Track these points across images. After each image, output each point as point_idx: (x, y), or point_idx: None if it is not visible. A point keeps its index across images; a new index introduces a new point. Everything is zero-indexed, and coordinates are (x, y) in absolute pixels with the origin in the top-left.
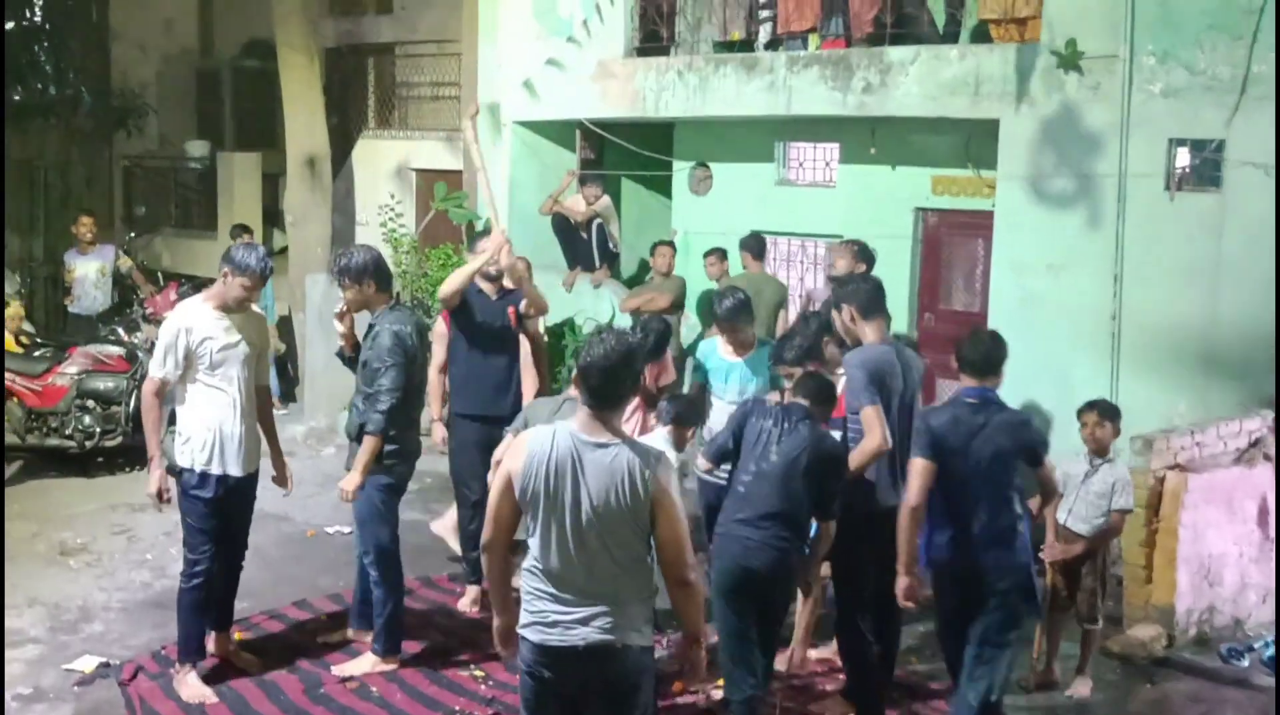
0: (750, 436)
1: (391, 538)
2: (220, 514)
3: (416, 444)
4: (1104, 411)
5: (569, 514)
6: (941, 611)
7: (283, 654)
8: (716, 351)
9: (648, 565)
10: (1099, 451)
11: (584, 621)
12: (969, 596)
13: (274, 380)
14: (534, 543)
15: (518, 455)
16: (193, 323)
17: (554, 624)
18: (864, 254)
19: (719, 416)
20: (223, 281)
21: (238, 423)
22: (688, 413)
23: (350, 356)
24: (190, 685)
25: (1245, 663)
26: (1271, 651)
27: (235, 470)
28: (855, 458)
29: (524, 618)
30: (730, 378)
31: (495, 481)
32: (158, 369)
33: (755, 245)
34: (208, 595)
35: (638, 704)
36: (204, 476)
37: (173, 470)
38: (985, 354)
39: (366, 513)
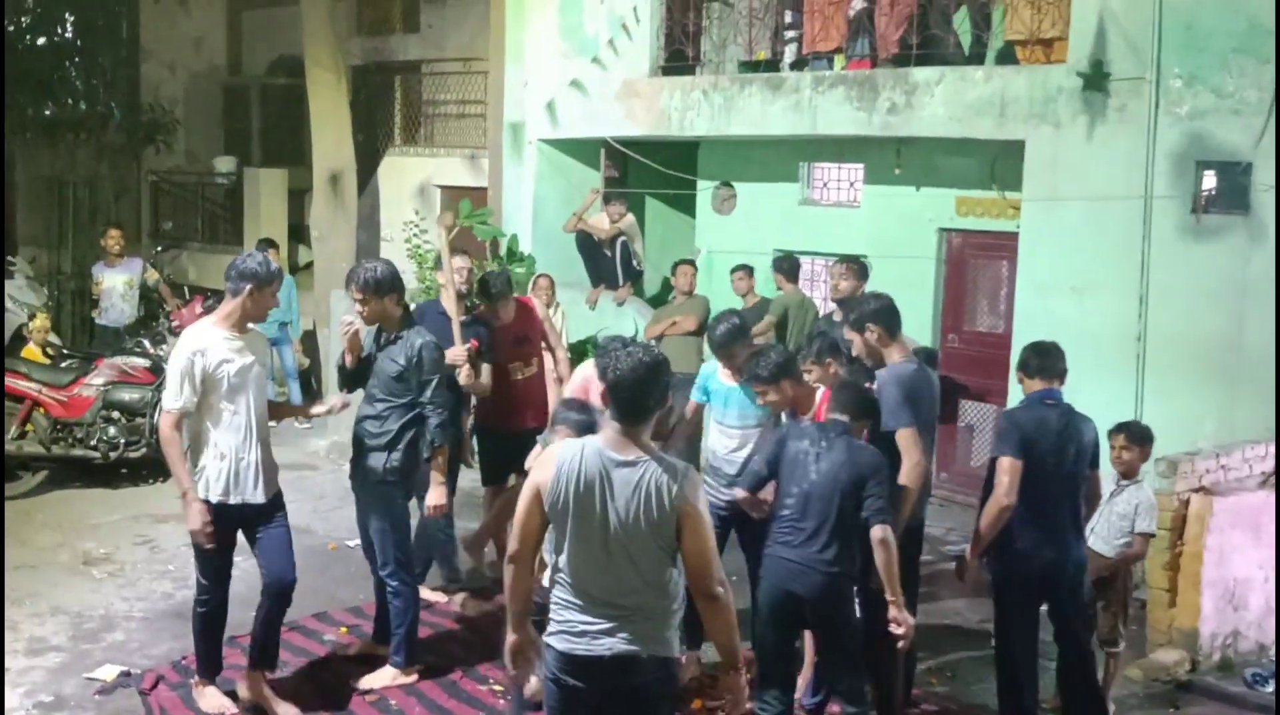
0: (788, 460)
1: (409, 549)
2: (229, 543)
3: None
4: (1132, 435)
5: (597, 529)
6: (1013, 606)
7: (302, 667)
8: (716, 375)
9: (674, 579)
10: (1126, 474)
11: (610, 632)
12: (1052, 587)
13: (298, 395)
14: (562, 555)
15: (547, 467)
16: (206, 346)
17: (581, 634)
18: (863, 272)
19: (718, 440)
20: (248, 298)
21: (254, 448)
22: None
23: (352, 369)
24: (209, 697)
25: (1269, 688)
26: None
27: (256, 497)
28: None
29: (551, 626)
30: (729, 402)
31: (523, 493)
32: (174, 400)
33: (788, 266)
34: (217, 619)
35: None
36: (221, 508)
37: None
38: (1056, 358)
39: (386, 524)
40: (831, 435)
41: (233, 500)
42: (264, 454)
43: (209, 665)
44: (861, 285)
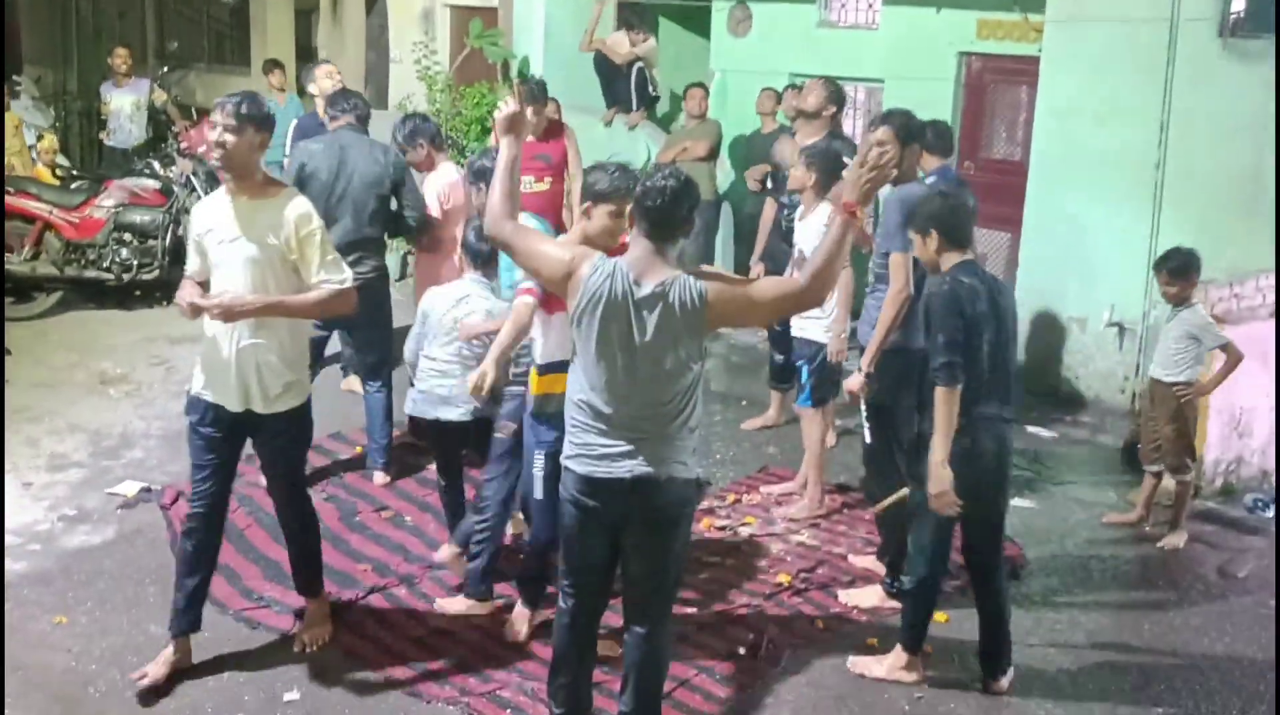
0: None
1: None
2: (224, 451)
3: None
4: (1172, 272)
5: (619, 353)
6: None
7: (316, 485)
8: None
9: (696, 397)
10: (1177, 302)
11: (630, 455)
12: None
13: None
14: (582, 376)
15: (585, 263)
16: (199, 210)
17: (601, 457)
18: (837, 94)
19: None
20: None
21: (231, 348)
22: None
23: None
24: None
25: (1269, 513)
26: None
27: (232, 405)
28: (883, 309)
29: (569, 449)
30: None
31: (556, 248)
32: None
33: None
34: (196, 549)
35: (677, 535)
36: (195, 401)
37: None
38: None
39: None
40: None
41: (207, 396)
42: (245, 361)
43: (177, 614)
44: (828, 108)
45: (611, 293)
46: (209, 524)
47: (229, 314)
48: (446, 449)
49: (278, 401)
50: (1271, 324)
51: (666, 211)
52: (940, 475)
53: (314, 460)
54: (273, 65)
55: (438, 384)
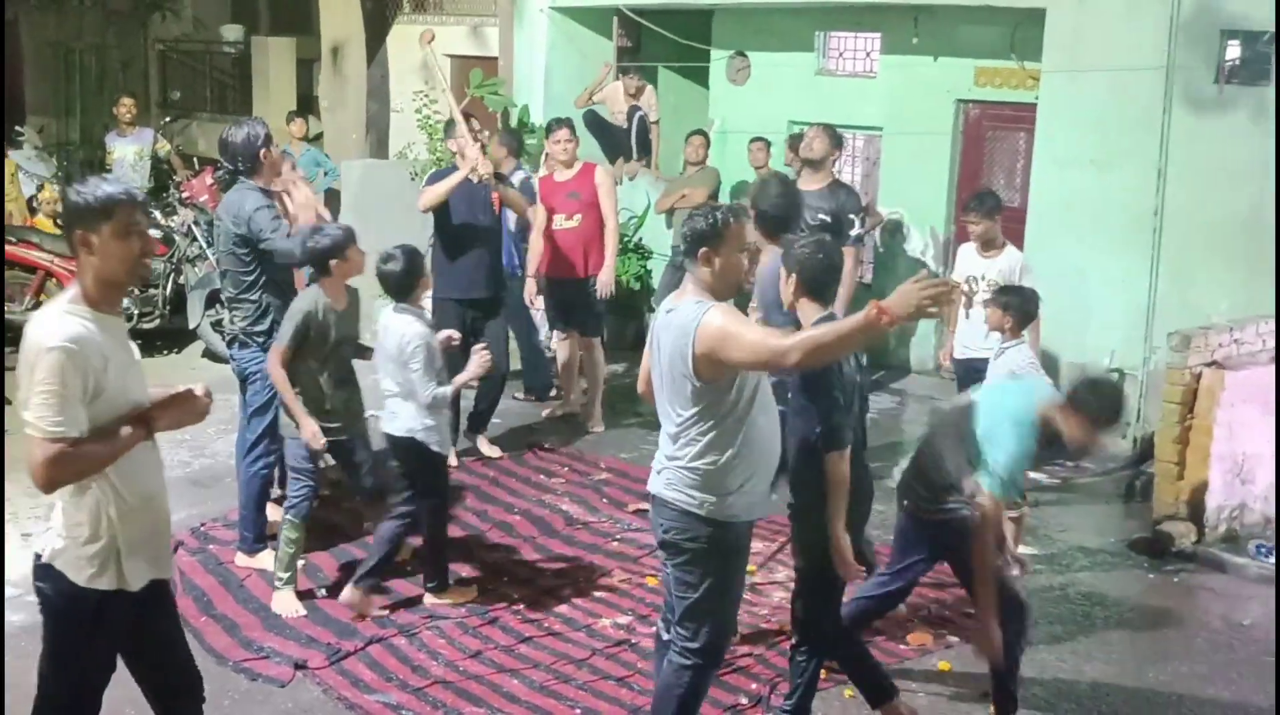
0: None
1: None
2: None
3: None
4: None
5: (659, 376)
6: None
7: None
8: None
9: (705, 433)
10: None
11: (659, 471)
12: None
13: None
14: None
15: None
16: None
17: (653, 469)
18: (837, 138)
19: None
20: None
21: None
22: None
23: None
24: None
25: (1273, 560)
26: None
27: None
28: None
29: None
30: None
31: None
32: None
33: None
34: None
35: (693, 568)
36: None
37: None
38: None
39: None
40: None
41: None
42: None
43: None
44: (835, 152)
45: (658, 322)
46: None
47: None
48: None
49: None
50: (1271, 370)
51: (690, 240)
52: (843, 541)
53: None
54: (294, 115)
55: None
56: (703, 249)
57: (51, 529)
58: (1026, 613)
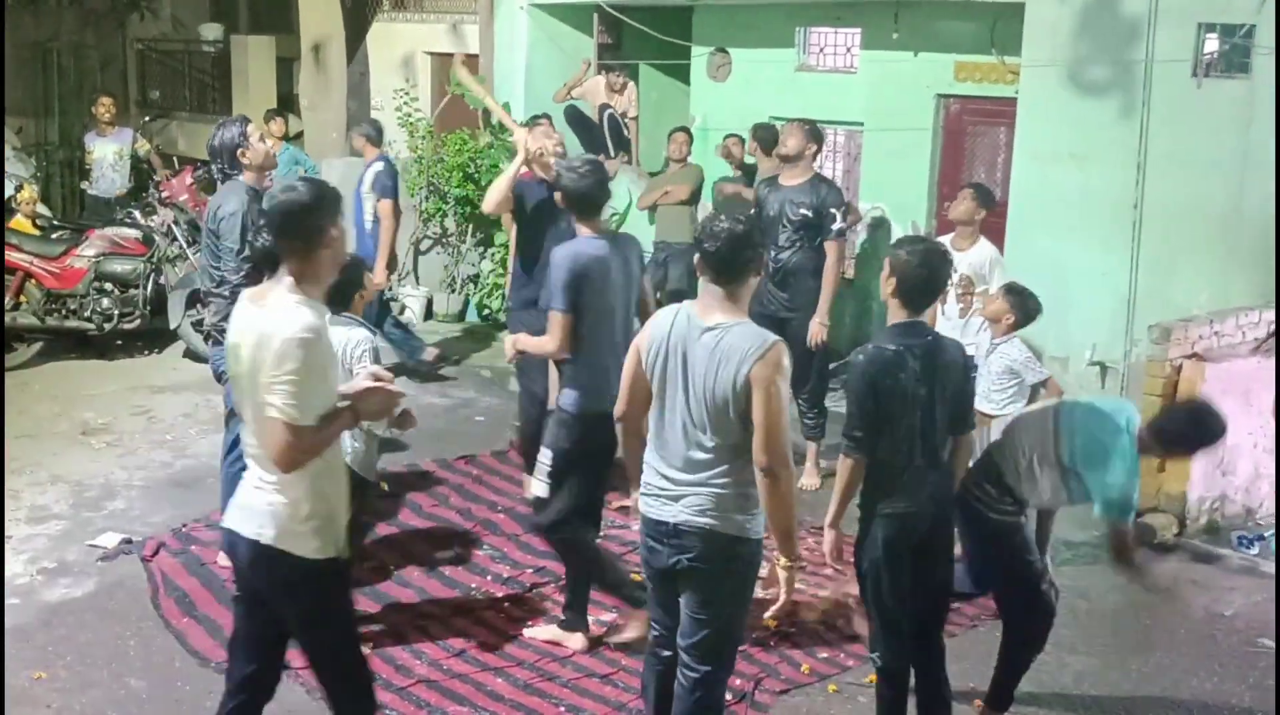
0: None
1: None
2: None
3: None
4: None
5: (680, 394)
6: None
7: None
8: None
9: (738, 453)
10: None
11: (678, 499)
12: None
13: None
14: (653, 417)
15: (647, 330)
16: None
17: (656, 496)
18: (815, 134)
19: None
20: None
21: None
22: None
23: None
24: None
25: (1255, 551)
26: None
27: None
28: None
29: (642, 487)
30: None
31: (629, 353)
32: None
33: (767, 138)
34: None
35: (723, 591)
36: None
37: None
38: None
39: None
40: None
41: None
42: None
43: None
44: (809, 146)
45: (673, 338)
46: None
47: None
48: None
49: None
50: (1251, 362)
51: (731, 256)
52: (826, 536)
53: None
54: (273, 114)
55: None
56: (750, 276)
57: (254, 512)
58: (1052, 621)
